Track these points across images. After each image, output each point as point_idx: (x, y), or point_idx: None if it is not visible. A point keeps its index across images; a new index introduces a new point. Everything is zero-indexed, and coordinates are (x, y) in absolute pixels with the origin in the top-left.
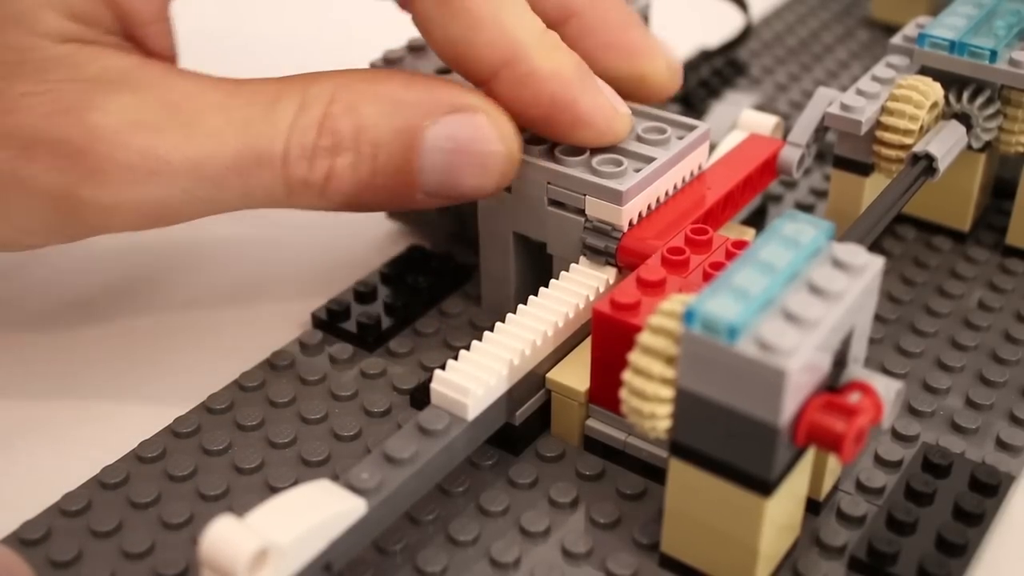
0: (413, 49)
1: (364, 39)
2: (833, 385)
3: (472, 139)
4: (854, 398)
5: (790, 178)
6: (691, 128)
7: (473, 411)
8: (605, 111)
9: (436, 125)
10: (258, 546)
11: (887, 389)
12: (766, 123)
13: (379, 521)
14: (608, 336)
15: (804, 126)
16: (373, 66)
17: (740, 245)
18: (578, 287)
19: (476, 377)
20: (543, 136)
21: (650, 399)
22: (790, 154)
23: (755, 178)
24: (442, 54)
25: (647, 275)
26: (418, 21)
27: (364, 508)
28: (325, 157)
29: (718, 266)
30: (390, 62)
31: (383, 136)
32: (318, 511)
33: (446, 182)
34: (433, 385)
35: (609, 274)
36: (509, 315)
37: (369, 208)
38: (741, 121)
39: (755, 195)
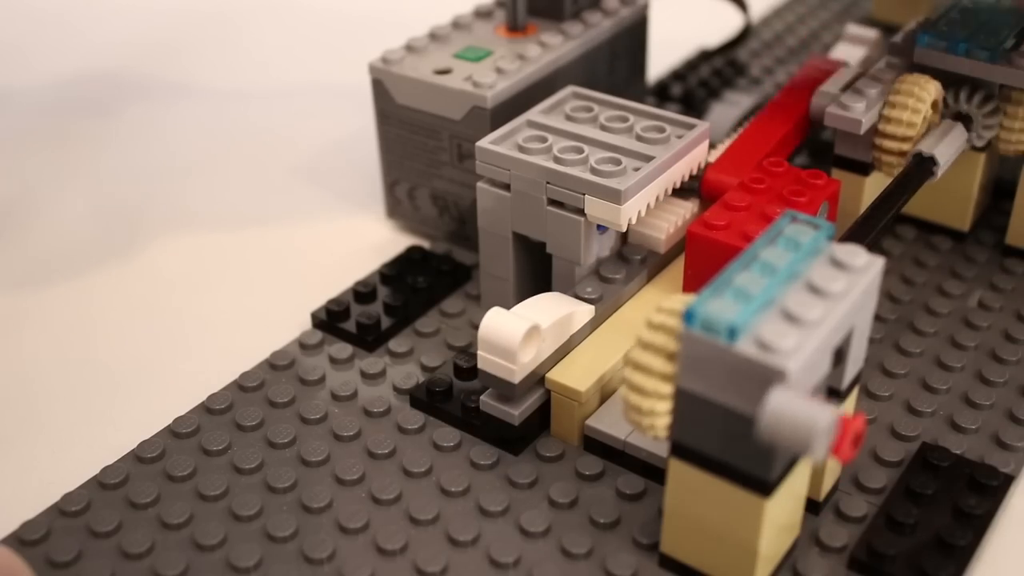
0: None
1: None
2: (833, 385)
3: None
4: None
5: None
6: (690, 127)
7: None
8: None
9: None
10: (527, 327)
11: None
12: (868, 35)
13: None
14: (700, 253)
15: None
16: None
17: (813, 175)
18: (667, 214)
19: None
20: None
21: (650, 395)
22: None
23: None
24: None
25: (734, 201)
26: None
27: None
28: None
29: (795, 192)
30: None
31: None
32: (560, 308)
33: None
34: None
35: (694, 204)
36: None
37: None
38: (846, 33)
39: None
